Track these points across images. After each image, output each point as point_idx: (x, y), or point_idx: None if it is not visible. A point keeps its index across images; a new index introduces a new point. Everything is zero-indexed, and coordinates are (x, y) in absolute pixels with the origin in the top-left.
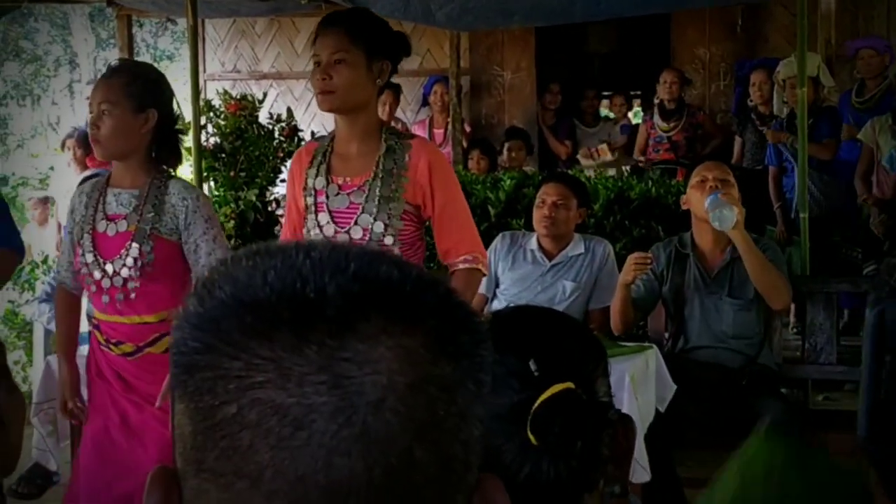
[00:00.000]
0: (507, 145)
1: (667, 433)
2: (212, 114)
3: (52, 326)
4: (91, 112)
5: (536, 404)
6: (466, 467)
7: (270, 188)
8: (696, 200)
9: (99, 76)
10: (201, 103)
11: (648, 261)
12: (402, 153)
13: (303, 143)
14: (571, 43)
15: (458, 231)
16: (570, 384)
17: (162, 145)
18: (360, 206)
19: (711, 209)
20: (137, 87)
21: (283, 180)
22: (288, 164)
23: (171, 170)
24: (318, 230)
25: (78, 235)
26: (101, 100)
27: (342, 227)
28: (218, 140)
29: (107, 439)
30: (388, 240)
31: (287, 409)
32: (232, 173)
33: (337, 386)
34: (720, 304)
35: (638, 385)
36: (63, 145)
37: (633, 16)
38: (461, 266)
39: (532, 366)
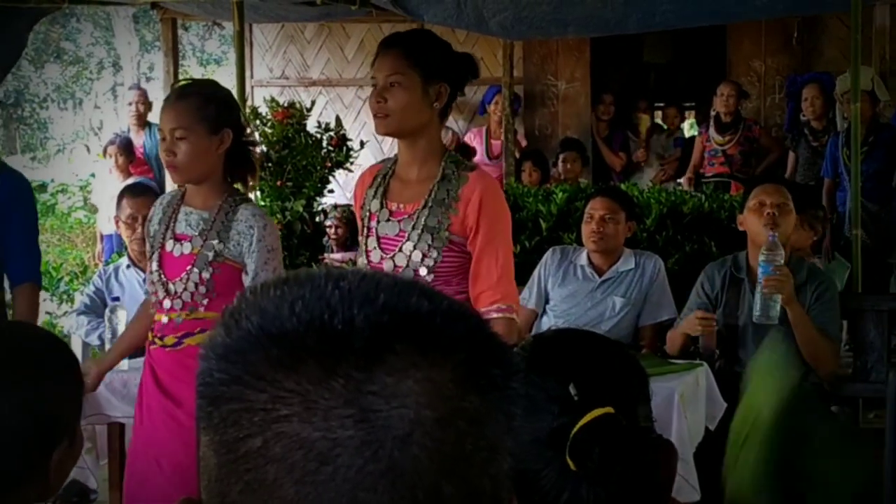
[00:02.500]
0: (561, 157)
1: (717, 452)
2: (258, 121)
3: (91, 339)
4: (163, 138)
5: (576, 429)
6: (496, 502)
7: (318, 199)
8: (753, 224)
9: (165, 95)
10: (248, 110)
11: (714, 324)
12: (456, 184)
13: (352, 152)
14: (627, 53)
15: (495, 276)
16: (610, 409)
17: (235, 162)
18: (407, 234)
19: (760, 300)
20: (211, 110)
21: (331, 191)
22: (336, 174)
23: (249, 185)
24: (364, 255)
25: (150, 250)
26: (174, 125)
27: (387, 254)
28: (264, 148)
29: (135, 463)
30: (423, 271)
31: (312, 443)
32: (279, 183)
33: (363, 420)
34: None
35: (687, 403)
36: (105, 152)
37: (689, 27)
38: (494, 315)
39: (572, 390)
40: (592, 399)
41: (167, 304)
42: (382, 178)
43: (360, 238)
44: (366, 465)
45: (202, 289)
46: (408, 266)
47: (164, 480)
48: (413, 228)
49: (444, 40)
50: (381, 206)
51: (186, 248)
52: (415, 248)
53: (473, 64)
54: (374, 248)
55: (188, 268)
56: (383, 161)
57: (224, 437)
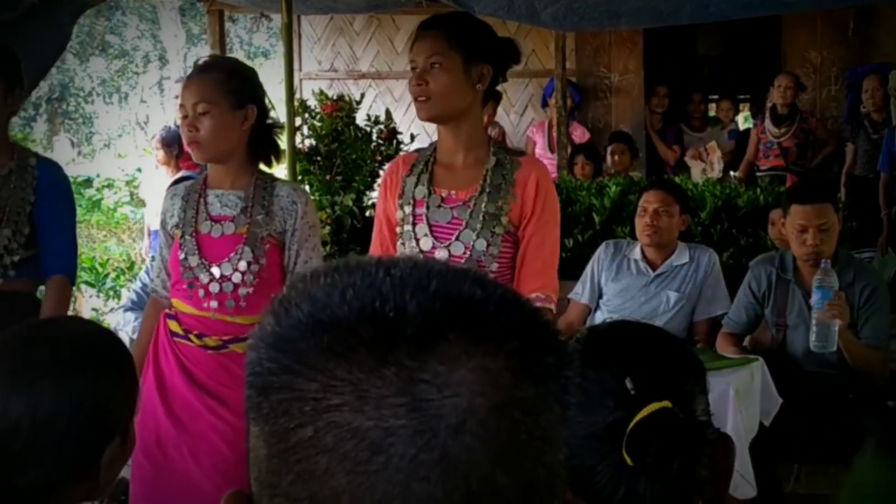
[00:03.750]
0: (609, 149)
1: (772, 447)
2: (307, 114)
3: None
4: (185, 114)
5: (632, 423)
6: (551, 493)
7: (368, 193)
8: (795, 249)
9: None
10: (296, 103)
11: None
12: (511, 169)
13: (402, 146)
14: (680, 45)
15: (539, 263)
16: (667, 403)
17: (259, 142)
18: (464, 222)
19: (818, 328)
20: (235, 83)
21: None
22: (386, 168)
23: (271, 167)
24: (413, 243)
25: (178, 236)
26: (196, 100)
27: (441, 242)
28: (313, 142)
29: (160, 453)
30: (488, 259)
31: (364, 433)
32: (328, 177)
33: (416, 409)
34: None
35: (742, 398)
36: (154, 146)
37: (743, 18)
38: (542, 304)
39: (628, 384)
40: (649, 393)
41: (214, 287)
42: (424, 166)
43: (402, 228)
44: (418, 454)
45: (254, 267)
46: (470, 256)
47: (203, 477)
48: (471, 216)
49: (484, 22)
50: (430, 193)
51: (229, 227)
52: (477, 236)
53: (515, 48)
54: (426, 234)
55: (238, 247)
56: (417, 150)
57: (274, 427)
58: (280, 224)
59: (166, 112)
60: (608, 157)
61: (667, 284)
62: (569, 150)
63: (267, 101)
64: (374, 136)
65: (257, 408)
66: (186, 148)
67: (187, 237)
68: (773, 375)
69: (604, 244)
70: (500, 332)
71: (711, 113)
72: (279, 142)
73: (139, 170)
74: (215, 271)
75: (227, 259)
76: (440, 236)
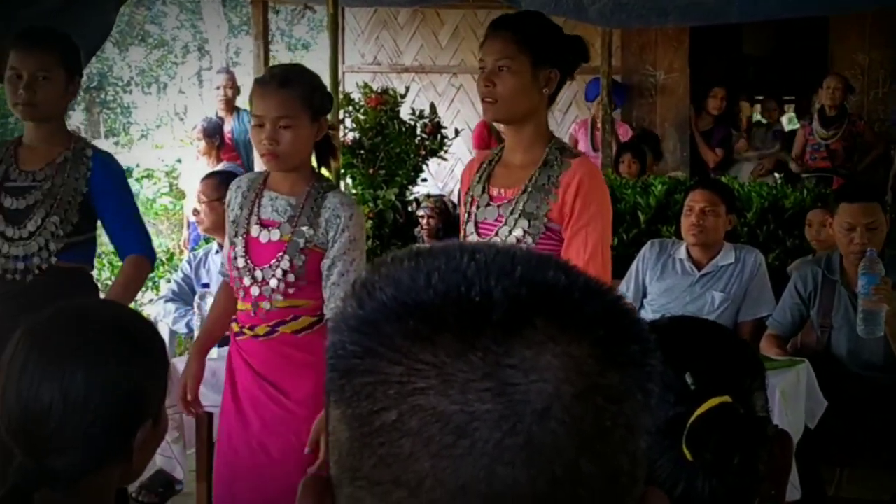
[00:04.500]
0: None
1: (816, 450)
2: (351, 108)
3: (178, 327)
4: (261, 123)
5: (693, 419)
6: (633, 481)
7: (411, 187)
8: (843, 247)
9: (254, 78)
10: (340, 96)
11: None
12: (558, 170)
13: (446, 140)
14: (726, 44)
15: (581, 259)
16: (727, 398)
17: (322, 147)
18: (504, 219)
19: (864, 315)
20: (316, 98)
21: (424, 180)
22: (430, 163)
23: (332, 168)
24: (469, 237)
25: (232, 235)
26: (280, 114)
27: (483, 239)
28: (357, 135)
29: (232, 453)
30: None
31: (449, 417)
32: (371, 171)
33: (502, 393)
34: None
35: (788, 400)
36: (196, 137)
37: (791, 17)
38: None
39: (688, 379)
40: (709, 388)
41: (255, 291)
42: (488, 164)
43: (461, 226)
44: (504, 439)
45: (290, 276)
46: None
47: (273, 466)
48: (511, 213)
49: (555, 23)
50: (483, 191)
51: (275, 234)
52: (510, 233)
53: (584, 48)
54: (472, 232)
55: (278, 255)
56: (490, 150)
57: (357, 410)
58: (323, 235)
59: (204, 103)
60: (619, 165)
61: (712, 285)
62: (614, 148)
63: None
64: (419, 131)
65: (340, 391)
66: (254, 152)
67: (239, 238)
68: (818, 378)
69: (649, 243)
70: (586, 319)
71: (757, 115)
72: (335, 144)
73: (179, 160)
74: (258, 274)
75: (268, 265)
76: (484, 233)
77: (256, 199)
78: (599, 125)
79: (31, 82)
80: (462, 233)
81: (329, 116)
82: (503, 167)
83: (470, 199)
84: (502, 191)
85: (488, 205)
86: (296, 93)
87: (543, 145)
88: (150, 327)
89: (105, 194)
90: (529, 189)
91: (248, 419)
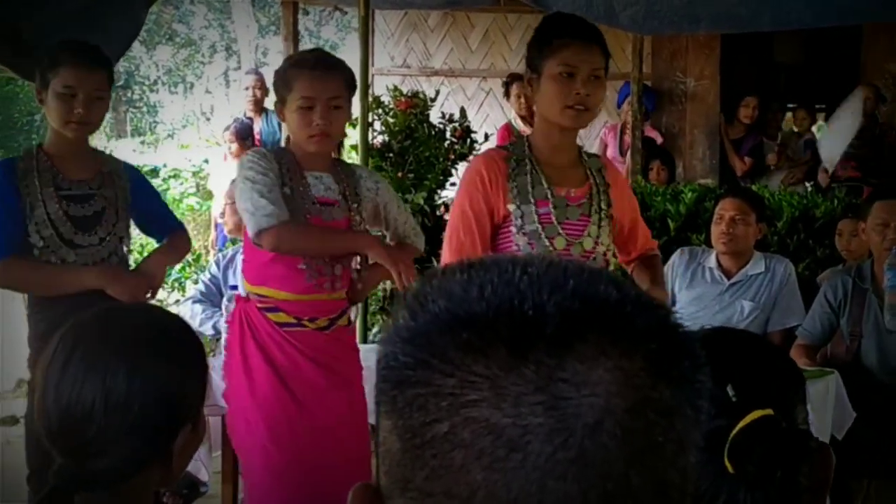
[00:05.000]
0: (649, 166)
1: (844, 462)
2: (380, 110)
3: (205, 329)
4: (311, 105)
5: (735, 431)
6: (682, 495)
7: (439, 191)
8: (876, 244)
9: (292, 65)
10: (370, 99)
11: None
12: (601, 170)
13: (476, 144)
14: (757, 52)
15: (647, 230)
16: (769, 411)
17: None
18: (590, 219)
19: (891, 307)
20: (353, 81)
21: (452, 184)
22: (459, 167)
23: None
24: (546, 242)
25: (300, 210)
26: (333, 94)
27: (574, 239)
28: (386, 138)
29: (291, 440)
30: (609, 254)
31: (502, 430)
32: (400, 174)
33: (554, 407)
34: None
35: (817, 411)
36: (227, 139)
37: (824, 26)
38: (655, 251)
39: (730, 391)
40: (751, 400)
41: (327, 270)
42: (531, 164)
43: (521, 227)
44: (556, 452)
45: (357, 261)
46: (596, 251)
47: (335, 455)
48: (593, 213)
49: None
50: (551, 193)
51: (337, 213)
52: (600, 232)
53: None
54: (559, 234)
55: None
56: (503, 148)
57: (409, 421)
58: (369, 205)
59: (231, 103)
60: (648, 172)
61: (742, 294)
62: (643, 154)
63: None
64: (448, 135)
65: (391, 402)
66: (308, 139)
67: (303, 218)
68: (848, 389)
69: (679, 251)
70: (638, 333)
71: (788, 124)
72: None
73: (206, 161)
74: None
75: None
76: (572, 234)
77: (299, 178)
78: (630, 130)
79: (87, 101)
80: (538, 235)
81: (359, 118)
82: (552, 168)
83: (531, 201)
84: (572, 191)
85: (567, 205)
86: (341, 74)
87: (575, 145)
88: (190, 331)
89: (144, 193)
90: (600, 188)
91: (309, 408)
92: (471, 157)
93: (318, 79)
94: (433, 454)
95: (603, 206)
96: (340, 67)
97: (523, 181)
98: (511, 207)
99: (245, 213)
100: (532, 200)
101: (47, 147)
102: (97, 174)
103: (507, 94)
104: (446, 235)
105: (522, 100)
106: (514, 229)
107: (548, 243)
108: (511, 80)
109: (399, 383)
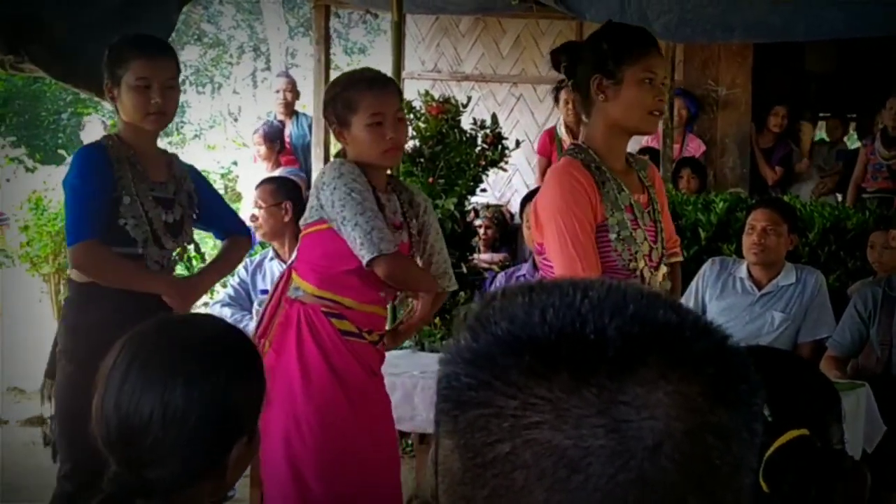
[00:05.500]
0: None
1: (874, 475)
2: (411, 115)
3: None
4: (380, 121)
5: (770, 451)
6: None
7: (469, 198)
8: None
9: (365, 82)
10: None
11: None
12: (643, 171)
13: (507, 150)
14: (789, 61)
15: (671, 231)
16: (804, 430)
17: None
18: (655, 222)
19: None
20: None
21: (483, 190)
22: (490, 173)
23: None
24: (636, 247)
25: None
26: (397, 107)
27: (654, 245)
28: (417, 143)
29: (342, 442)
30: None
31: (563, 451)
32: (430, 179)
33: (615, 430)
34: None
35: (848, 424)
36: (255, 142)
37: (857, 37)
38: (678, 254)
39: (766, 410)
40: (787, 420)
41: (383, 293)
42: (608, 170)
43: (618, 235)
44: (616, 474)
45: None
46: (663, 255)
47: (383, 463)
48: (656, 215)
49: None
50: (632, 200)
51: (404, 235)
52: (663, 232)
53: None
54: (645, 239)
55: (412, 255)
56: (572, 154)
57: (471, 441)
58: (420, 222)
59: (258, 104)
60: (678, 181)
61: (772, 305)
62: (672, 160)
63: None
64: (479, 141)
65: (452, 422)
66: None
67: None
68: (878, 402)
69: (709, 261)
70: (697, 357)
71: (820, 133)
72: None
73: (235, 163)
74: None
75: None
76: (651, 238)
77: (377, 200)
78: (678, 138)
79: (161, 91)
80: (635, 241)
81: None
82: (621, 174)
83: (622, 208)
84: (640, 197)
85: (643, 212)
86: (396, 87)
87: None
88: (250, 344)
89: (207, 195)
90: (651, 193)
91: (361, 414)
92: (501, 164)
93: (382, 94)
94: (494, 474)
95: (657, 208)
96: (392, 81)
97: (611, 188)
98: (608, 214)
99: (357, 228)
100: (622, 207)
101: (125, 140)
102: (170, 177)
103: (556, 100)
104: (563, 244)
105: (570, 106)
106: (612, 237)
107: (637, 248)
108: (561, 85)
109: (461, 404)
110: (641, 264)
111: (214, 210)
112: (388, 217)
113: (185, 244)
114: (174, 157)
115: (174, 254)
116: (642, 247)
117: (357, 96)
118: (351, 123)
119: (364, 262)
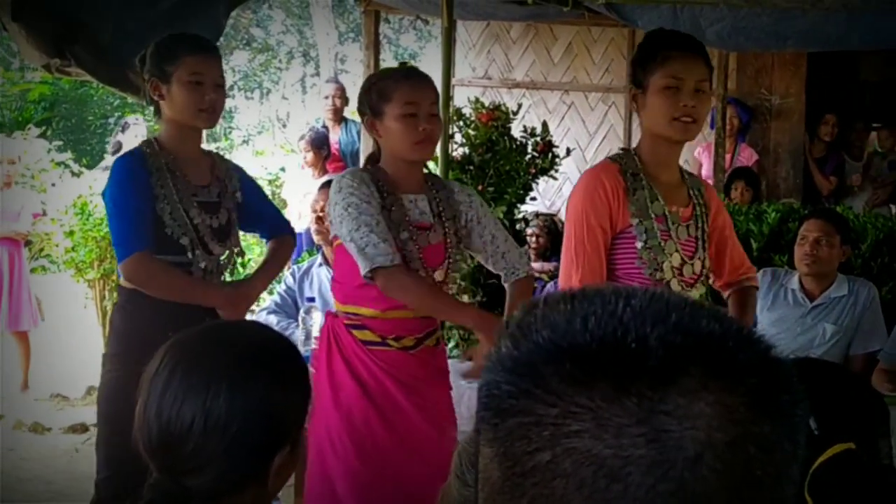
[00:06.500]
0: (732, 185)
1: None
2: (461, 122)
3: None
4: (415, 112)
5: (816, 465)
6: None
7: (519, 206)
8: None
9: (373, 74)
10: (451, 110)
11: None
12: (698, 190)
13: (558, 159)
14: (843, 70)
15: (741, 257)
16: (851, 445)
17: None
18: (696, 239)
19: None
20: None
21: (533, 198)
22: (540, 181)
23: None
24: (664, 258)
25: (397, 237)
26: (433, 100)
27: (688, 259)
28: (467, 151)
29: (378, 458)
30: (709, 274)
31: (603, 460)
32: (480, 187)
33: (655, 440)
34: None
35: None
36: (303, 149)
37: None
38: (753, 280)
39: (812, 423)
40: (833, 433)
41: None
42: (645, 179)
43: (645, 242)
44: (656, 484)
45: (453, 275)
46: (703, 272)
47: (418, 475)
48: (699, 235)
49: None
50: (666, 210)
51: (433, 236)
52: (705, 252)
53: None
54: (676, 251)
55: (448, 255)
56: (612, 161)
57: (510, 449)
58: (464, 219)
59: (307, 110)
60: (731, 192)
61: (824, 316)
62: (725, 171)
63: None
64: (530, 149)
65: (492, 429)
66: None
67: (412, 244)
68: None
69: (761, 272)
70: (739, 368)
71: (875, 144)
72: None
73: (283, 169)
74: (437, 275)
75: (439, 266)
76: (686, 252)
77: (397, 201)
78: (729, 147)
79: (214, 88)
80: (662, 250)
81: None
82: (659, 184)
83: (651, 217)
84: (680, 210)
85: (680, 224)
86: (432, 83)
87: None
88: (295, 353)
89: (253, 196)
90: (697, 209)
91: (395, 427)
92: (552, 172)
93: (417, 85)
94: (534, 483)
95: (705, 227)
96: (428, 77)
97: (642, 195)
98: (633, 221)
99: (352, 244)
100: (652, 216)
101: (165, 144)
102: (214, 179)
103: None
104: (568, 245)
105: None
106: (638, 244)
107: (665, 259)
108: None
109: (501, 412)
110: (669, 275)
111: (260, 209)
112: (412, 219)
113: (234, 248)
114: (217, 156)
115: (222, 258)
116: (671, 258)
117: (392, 85)
118: (384, 113)
119: (363, 277)
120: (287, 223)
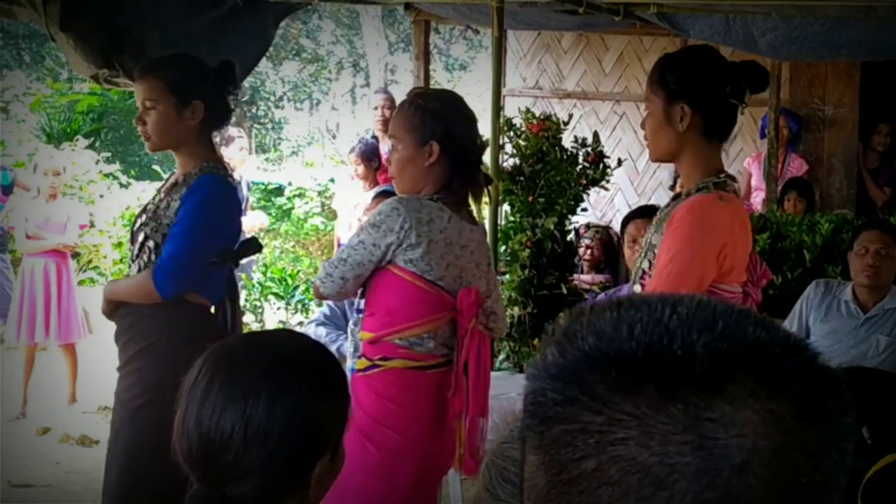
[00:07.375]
0: (785, 196)
1: None
2: (512, 133)
3: None
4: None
5: (869, 474)
6: None
7: (570, 217)
8: None
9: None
10: (501, 121)
11: None
12: (674, 207)
13: (609, 169)
14: None
15: (655, 283)
16: None
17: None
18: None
19: None
20: None
21: (584, 209)
22: (591, 192)
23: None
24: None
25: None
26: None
27: None
28: (517, 161)
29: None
30: None
31: (649, 468)
32: (530, 198)
33: (701, 447)
34: None
35: None
36: (353, 162)
37: None
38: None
39: (865, 432)
40: (887, 443)
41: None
42: None
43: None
44: (702, 492)
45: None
46: None
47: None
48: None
49: (706, 56)
50: None
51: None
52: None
53: (750, 74)
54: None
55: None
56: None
57: (556, 457)
58: None
59: (357, 120)
60: (784, 203)
61: (878, 328)
62: (779, 183)
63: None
64: (581, 159)
65: (538, 437)
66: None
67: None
68: None
69: (814, 283)
70: (786, 375)
71: None
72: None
73: (332, 180)
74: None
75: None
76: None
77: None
78: (780, 157)
79: (142, 113)
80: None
81: (489, 140)
82: None
83: None
84: None
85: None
86: None
87: (695, 182)
88: (334, 362)
89: (182, 210)
90: (655, 226)
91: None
92: (602, 183)
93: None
94: (580, 491)
95: (655, 241)
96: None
97: None
98: None
99: (328, 263)
100: None
101: None
102: (167, 189)
103: None
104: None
105: None
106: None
107: None
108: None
109: (547, 419)
110: None
111: (170, 236)
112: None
113: (139, 253)
114: (195, 172)
115: (136, 266)
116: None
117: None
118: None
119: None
120: (166, 273)
